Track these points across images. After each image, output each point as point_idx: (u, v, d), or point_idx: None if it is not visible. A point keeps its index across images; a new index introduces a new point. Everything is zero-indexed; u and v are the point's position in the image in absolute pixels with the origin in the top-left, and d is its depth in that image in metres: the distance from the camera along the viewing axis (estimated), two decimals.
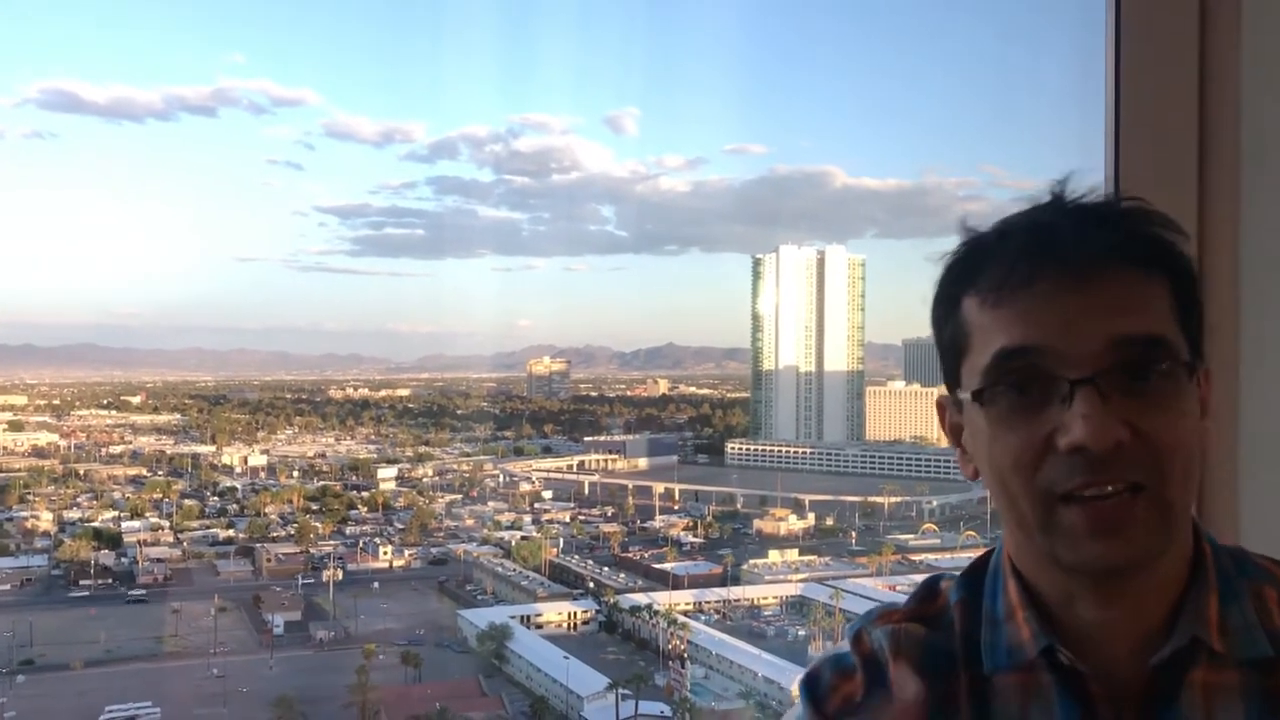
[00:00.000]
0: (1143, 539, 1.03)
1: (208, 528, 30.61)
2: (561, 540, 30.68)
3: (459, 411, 37.31)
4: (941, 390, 1.18)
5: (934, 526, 29.90)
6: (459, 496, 32.99)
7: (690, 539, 30.30)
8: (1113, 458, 1.00)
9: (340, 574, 28.86)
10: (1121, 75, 1.93)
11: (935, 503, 30.16)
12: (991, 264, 1.09)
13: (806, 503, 30.20)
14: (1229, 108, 1.82)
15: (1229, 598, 1.11)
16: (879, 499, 30.49)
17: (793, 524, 30.09)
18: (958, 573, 1.26)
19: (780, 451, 32.46)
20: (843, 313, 33.06)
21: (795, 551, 29.08)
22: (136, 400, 37.52)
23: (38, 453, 33.05)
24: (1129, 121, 1.91)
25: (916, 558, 28.56)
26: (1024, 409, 1.05)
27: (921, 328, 1.25)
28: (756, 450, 32.89)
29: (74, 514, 30.03)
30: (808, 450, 32.29)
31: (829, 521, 30.28)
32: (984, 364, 1.07)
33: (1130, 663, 1.09)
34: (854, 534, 29.99)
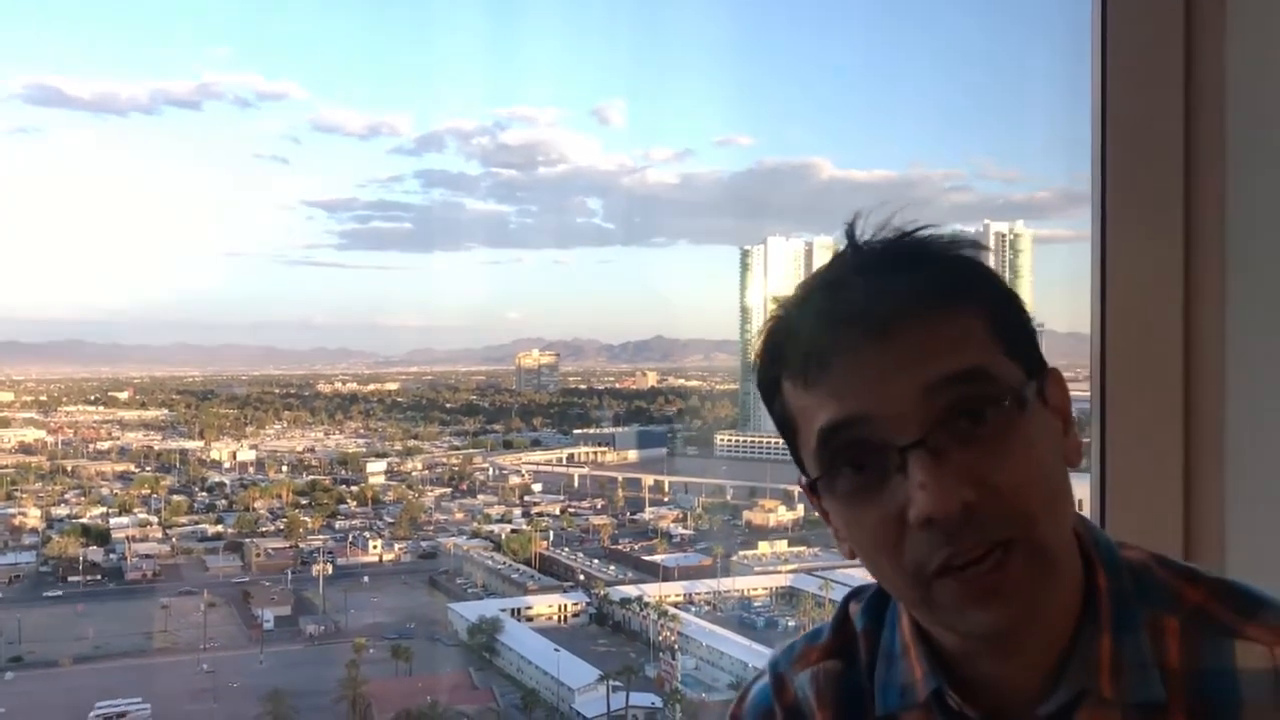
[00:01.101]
0: (1025, 595, 0.98)
1: (196, 523, 30.50)
2: (551, 533, 30.67)
3: (448, 405, 37.22)
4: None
5: None
6: (448, 490, 32.93)
7: (680, 531, 30.31)
8: (966, 521, 0.95)
9: (330, 568, 28.80)
10: (1108, 66, 1.93)
11: None
12: (795, 343, 1.06)
13: (795, 494, 30.17)
14: (1214, 97, 1.82)
15: (1123, 632, 1.04)
16: None
17: (782, 515, 30.07)
18: (870, 586, 1.22)
19: (769, 443, 32.40)
20: None
21: (785, 543, 29.09)
22: (124, 396, 37.32)
23: (25, 449, 32.88)
24: (1115, 112, 1.91)
25: None
26: (865, 489, 1.01)
27: None
28: (746, 442, 32.85)
29: (62, 510, 29.88)
30: None
31: (817, 514, 30.29)
32: (812, 447, 1.04)
33: (1022, 710, 1.05)
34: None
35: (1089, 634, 1.04)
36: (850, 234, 1.08)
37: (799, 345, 1.05)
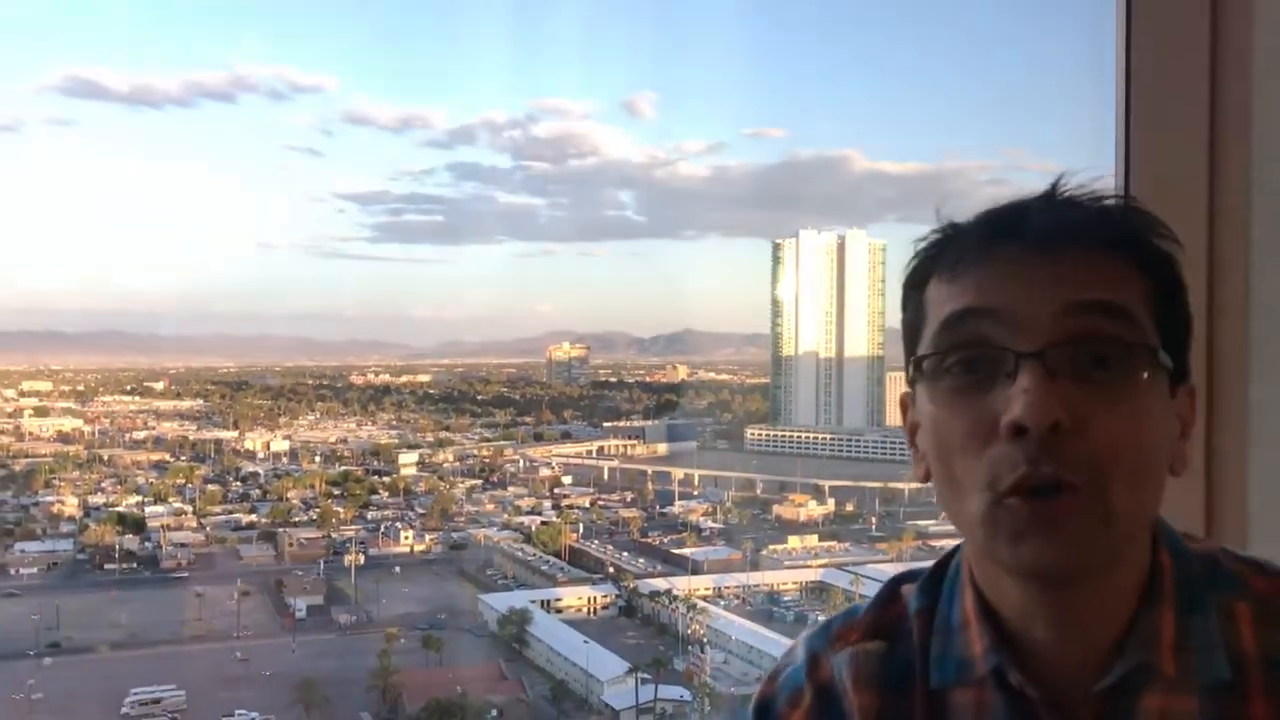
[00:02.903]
0: (1081, 542, 0.97)
1: (230, 512, 30.79)
2: (581, 525, 30.73)
3: (479, 397, 37.37)
4: (905, 390, 1.12)
5: None
6: (479, 482, 33.06)
7: (709, 524, 30.27)
8: (1051, 447, 0.94)
9: (362, 558, 28.98)
10: (1132, 58, 1.93)
11: None
12: (957, 243, 1.06)
13: (826, 488, 30.11)
14: (1242, 88, 1.82)
15: (1190, 613, 1.03)
16: (899, 484, 30.31)
17: (812, 510, 30.00)
18: (921, 573, 1.22)
19: (800, 437, 32.34)
20: (863, 298, 32.84)
21: (815, 537, 29.02)
22: (160, 386, 37.70)
23: (63, 438, 33.29)
24: (1139, 104, 1.91)
25: (937, 544, 28.48)
26: (970, 389, 1.00)
27: None
28: (776, 436, 32.76)
29: (99, 499, 30.24)
30: (827, 436, 32.15)
31: (849, 507, 30.19)
32: (932, 331, 1.03)
33: (1081, 687, 1.03)
34: (874, 520, 29.89)
35: (1151, 612, 1.03)
36: (1054, 183, 1.08)
37: (959, 245, 1.06)
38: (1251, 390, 1.78)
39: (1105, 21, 1.99)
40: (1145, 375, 0.99)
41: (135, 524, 29.06)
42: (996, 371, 0.98)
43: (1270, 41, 1.79)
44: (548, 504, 31.86)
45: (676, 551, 28.84)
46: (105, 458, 32.69)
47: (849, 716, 1.15)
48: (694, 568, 27.76)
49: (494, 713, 22.75)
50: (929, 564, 1.22)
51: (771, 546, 28.57)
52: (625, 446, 33.92)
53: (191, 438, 34.29)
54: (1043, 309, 0.97)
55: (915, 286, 1.10)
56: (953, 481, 1.03)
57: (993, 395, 0.98)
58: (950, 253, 1.06)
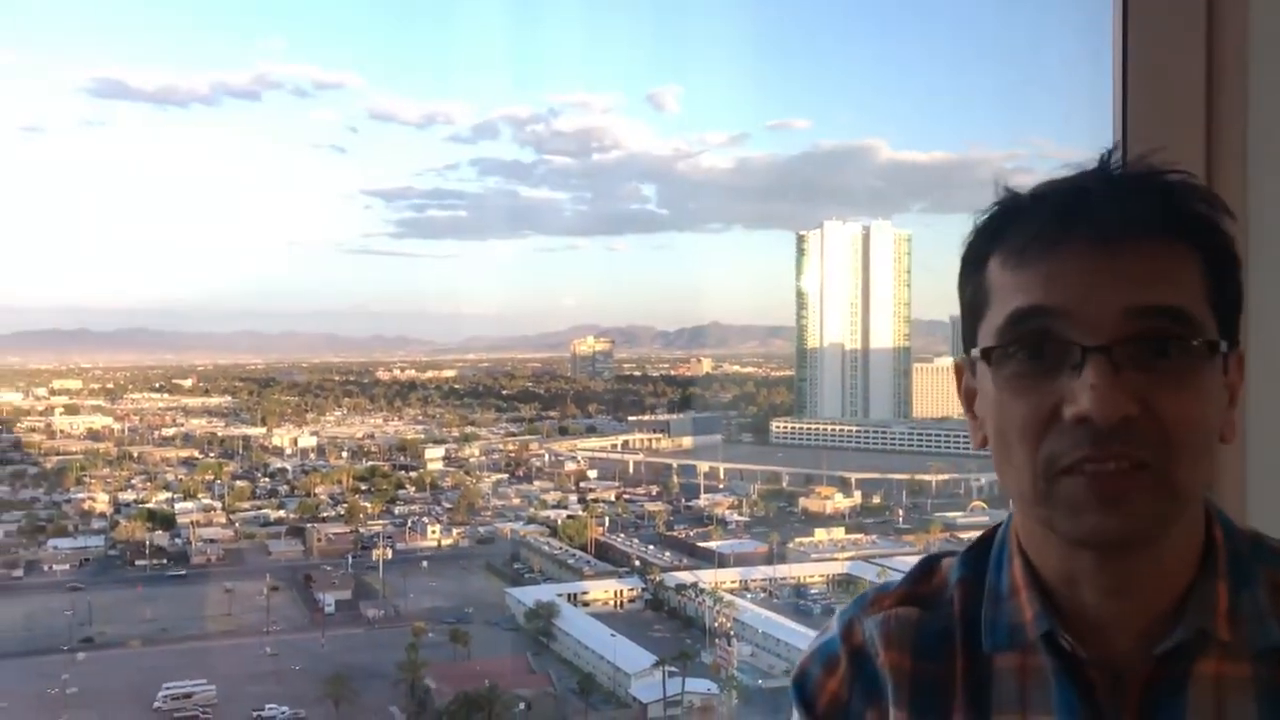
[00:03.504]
0: (1143, 513, 1.01)
1: (259, 508, 30.99)
2: (607, 519, 30.76)
3: (504, 391, 37.46)
4: (961, 356, 1.18)
5: (983, 504, 29.60)
6: (505, 476, 33.15)
7: (735, 517, 30.24)
8: (1119, 432, 0.98)
9: (389, 553, 29.13)
10: (1129, 42, 1.93)
11: (984, 480, 29.84)
12: (1020, 224, 1.08)
13: (853, 481, 30.02)
14: (1237, 76, 1.81)
15: (1240, 585, 1.08)
16: (926, 477, 30.21)
17: (839, 502, 29.91)
18: (960, 549, 1.25)
19: (826, 430, 32.25)
20: (889, 289, 32.67)
21: (841, 530, 28.93)
22: (188, 383, 37.98)
23: (93, 436, 33.57)
24: (1136, 90, 1.91)
25: (964, 536, 28.35)
26: (1034, 374, 1.03)
27: None
28: (801, 428, 32.67)
29: (129, 495, 30.49)
30: (854, 428, 32.04)
31: (875, 500, 30.09)
32: (999, 324, 1.06)
33: (1134, 651, 1.07)
34: (901, 512, 29.78)
35: (1207, 582, 1.07)
36: (1105, 155, 1.11)
37: (1026, 228, 1.07)
38: (1250, 381, 1.77)
39: (1103, 12, 1.99)
40: (1202, 362, 1.04)
41: (165, 520, 29.31)
42: (1062, 360, 1.02)
43: (1266, 30, 1.79)
44: (573, 498, 31.90)
45: (702, 545, 28.83)
46: (135, 455, 32.96)
47: (881, 678, 1.18)
48: (720, 561, 27.76)
49: (522, 706, 22.82)
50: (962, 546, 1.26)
51: (798, 539, 28.51)
52: (650, 440, 33.92)
53: (220, 434, 34.53)
54: (1108, 309, 1.01)
55: (975, 262, 1.13)
56: (1010, 459, 1.06)
57: (1058, 382, 1.02)
58: (1013, 235, 1.08)
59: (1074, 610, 1.09)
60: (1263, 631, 1.06)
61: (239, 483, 32.04)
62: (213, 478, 32.02)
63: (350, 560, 29.00)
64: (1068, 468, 1.01)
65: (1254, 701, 1.04)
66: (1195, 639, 1.05)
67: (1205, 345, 1.03)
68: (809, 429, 32.49)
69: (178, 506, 30.03)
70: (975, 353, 1.10)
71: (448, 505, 31.65)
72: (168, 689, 22.49)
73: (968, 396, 1.16)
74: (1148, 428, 0.99)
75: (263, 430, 34.77)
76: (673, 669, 22.73)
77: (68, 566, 27.70)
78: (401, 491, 32.00)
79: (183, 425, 34.90)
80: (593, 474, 32.98)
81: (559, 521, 30.37)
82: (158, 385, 37.80)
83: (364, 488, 32.04)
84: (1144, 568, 1.06)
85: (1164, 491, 1.01)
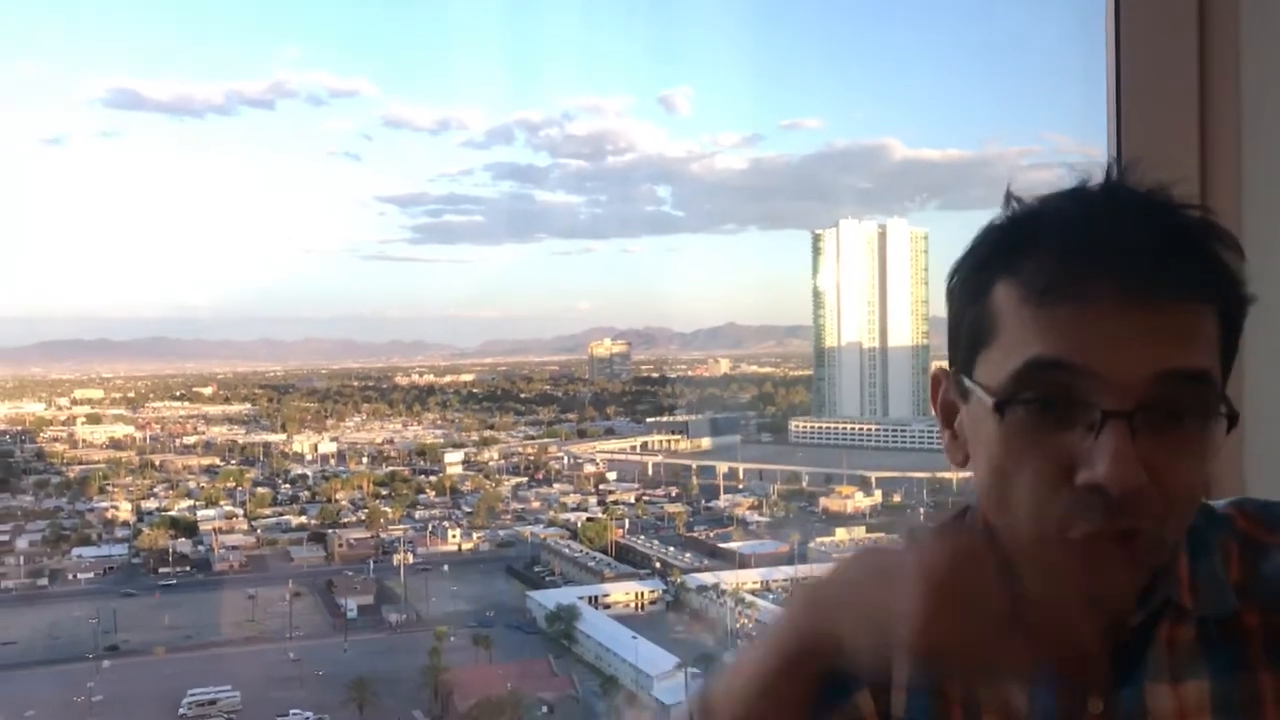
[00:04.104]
0: (1125, 583, 1.01)
1: (280, 515, 31.14)
2: (627, 521, 30.75)
3: (522, 395, 37.53)
4: (940, 363, 1.15)
5: None
6: (525, 479, 33.20)
7: (756, 518, 30.19)
8: (1128, 502, 0.95)
9: (410, 558, 29.20)
10: (1121, 47, 1.93)
11: None
12: (1039, 254, 1.00)
13: (873, 480, 29.94)
14: (1229, 82, 1.81)
15: (1199, 554, 1.08)
16: (947, 475, 30.06)
17: (859, 501, 29.82)
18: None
19: (845, 429, 32.18)
20: (906, 287, 32.59)
21: (862, 529, 28.83)
22: (208, 391, 38.19)
23: (115, 445, 33.81)
24: (1129, 94, 1.91)
25: None
26: (1045, 428, 0.98)
27: None
28: (821, 428, 32.61)
29: (151, 504, 30.69)
30: (873, 427, 31.95)
31: (896, 498, 30.00)
32: (1013, 368, 0.99)
33: (1102, 621, 1.09)
34: (922, 510, 29.67)
35: (1173, 556, 1.08)
36: (1112, 172, 1.03)
37: (1046, 261, 0.99)
38: (1245, 378, 1.78)
39: (1097, 14, 1.99)
40: (1212, 428, 0.99)
41: (188, 528, 29.49)
42: (1075, 417, 0.97)
43: (1257, 36, 1.79)
44: (593, 500, 31.92)
45: (723, 545, 28.79)
46: (157, 463, 33.18)
47: None
48: (741, 561, 27.71)
49: (544, 709, 22.85)
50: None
51: (819, 539, 28.44)
52: (669, 441, 33.91)
53: (240, 441, 34.71)
54: (1134, 372, 0.95)
55: (980, 281, 1.05)
56: (1007, 506, 1.02)
57: (1069, 436, 0.97)
58: (1030, 265, 1.00)
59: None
60: (1218, 597, 1.07)
61: (260, 489, 32.19)
62: (234, 485, 32.18)
63: (372, 565, 29.10)
64: (1079, 536, 0.97)
65: (1205, 660, 1.06)
66: (1162, 607, 1.07)
67: (1219, 412, 0.99)
68: (828, 428, 32.42)
69: (200, 514, 30.21)
70: (973, 387, 1.04)
71: (468, 509, 31.71)
72: (192, 695, 22.62)
73: (945, 409, 1.12)
74: (1153, 497, 0.96)
75: (283, 437, 34.92)
76: (695, 671, 22.70)
77: (92, 575, 27.89)
78: (422, 496, 32.09)
79: (204, 433, 35.09)
80: (612, 476, 32.99)
81: (579, 524, 30.38)
82: (178, 394, 38.02)
83: (384, 493, 32.14)
84: (1117, 606, 1.08)
85: (1153, 553, 1.00)
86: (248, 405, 37.26)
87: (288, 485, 32.78)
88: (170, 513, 30.11)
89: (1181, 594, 1.07)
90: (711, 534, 29.75)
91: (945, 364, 1.13)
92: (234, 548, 29.28)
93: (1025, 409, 0.98)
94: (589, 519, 30.65)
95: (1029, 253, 1.01)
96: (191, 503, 30.86)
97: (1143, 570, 1.02)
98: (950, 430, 1.12)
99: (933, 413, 1.16)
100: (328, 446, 34.42)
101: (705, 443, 33.75)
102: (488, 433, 35.09)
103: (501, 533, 30.93)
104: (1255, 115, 1.78)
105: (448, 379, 39.23)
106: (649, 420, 34.99)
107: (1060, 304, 0.97)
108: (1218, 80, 1.81)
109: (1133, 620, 1.08)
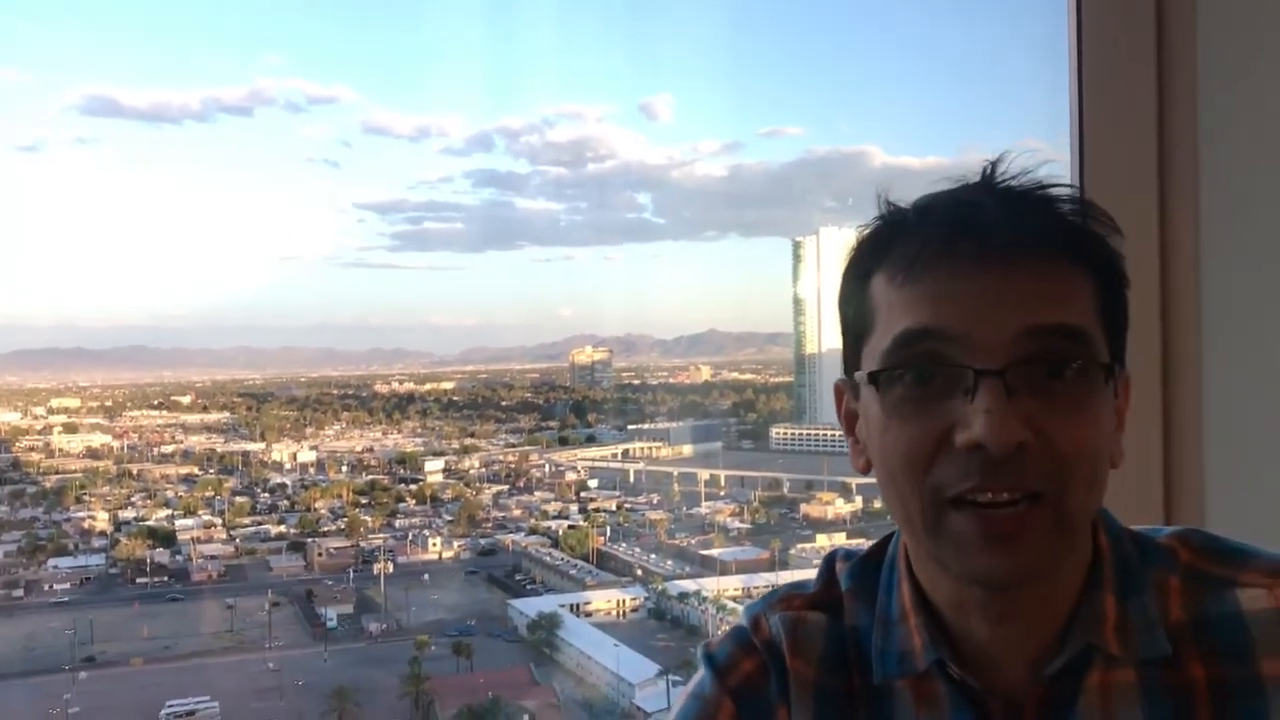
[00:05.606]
0: (1036, 551, 0.97)
1: (259, 524, 30.94)
2: (608, 528, 30.71)
3: (503, 403, 37.42)
4: (841, 378, 1.15)
5: None
6: (506, 487, 33.11)
7: (737, 525, 30.20)
8: (1012, 461, 0.93)
9: (391, 567, 29.07)
10: (1084, 52, 1.95)
11: None
12: (906, 239, 1.03)
13: (853, 486, 29.96)
14: (1187, 92, 1.83)
15: (1128, 593, 1.05)
16: None
17: (840, 508, 29.86)
18: (857, 550, 1.23)
19: (825, 435, 32.18)
20: None
21: (843, 535, 28.86)
22: (186, 400, 37.94)
23: (92, 454, 33.53)
24: (1091, 105, 1.93)
25: None
26: (922, 399, 0.98)
27: None
28: (801, 434, 32.61)
29: (129, 513, 30.45)
30: None
31: (876, 504, 30.02)
32: (885, 346, 1.01)
33: (1027, 675, 1.05)
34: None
35: (1094, 596, 1.04)
36: (989, 168, 1.06)
37: (911, 242, 1.02)
38: (1205, 383, 1.80)
39: (1059, 22, 2.01)
40: (1097, 386, 1.00)
41: (165, 537, 29.27)
42: (952, 384, 0.97)
43: (1213, 51, 1.81)
44: (574, 508, 31.85)
45: (704, 552, 28.77)
46: (134, 472, 32.93)
47: (788, 679, 1.15)
48: (722, 568, 27.69)
49: (526, 717, 22.78)
50: (865, 544, 1.23)
51: (800, 545, 28.45)
52: (650, 449, 33.88)
53: (219, 450, 34.47)
54: (1002, 331, 0.96)
55: (858, 279, 1.08)
56: (895, 488, 1.02)
57: (947, 406, 0.97)
58: (899, 250, 1.03)
59: (964, 637, 1.07)
60: (1151, 641, 1.03)
61: (239, 499, 31.98)
62: (212, 494, 31.97)
63: (351, 574, 28.95)
64: (955, 499, 0.96)
65: (1140, 706, 1.02)
66: (1083, 655, 1.03)
67: (1101, 367, 1.00)
68: (809, 434, 32.44)
69: (178, 523, 29.98)
70: (859, 375, 1.05)
71: (448, 517, 31.59)
72: (171, 707, 22.45)
73: (848, 419, 1.13)
74: (1041, 455, 0.95)
75: (262, 445, 34.72)
76: (676, 679, 22.68)
77: (68, 585, 27.65)
78: (402, 505, 31.96)
79: (182, 442, 34.84)
80: (593, 484, 32.93)
81: (560, 532, 30.32)
82: (156, 402, 37.74)
83: (364, 501, 31.99)
84: (1030, 596, 1.03)
85: (1056, 525, 0.97)
86: (226, 414, 37.02)
87: (266, 494, 32.59)
88: (148, 522, 29.88)
89: (1106, 638, 1.03)
90: (693, 541, 29.73)
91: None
92: (212, 557, 29.09)
93: (901, 383, 0.99)
94: (570, 526, 30.58)
95: (897, 241, 1.04)
96: (169, 512, 30.63)
97: (1054, 539, 0.98)
98: (853, 437, 1.13)
99: (838, 417, 1.17)
100: (307, 455, 34.24)
101: (686, 450, 33.72)
102: (468, 441, 34.97)
103: (482, 541, 30.83)
104: (1210, 113, 1.81)
105: (428, 387, 39.08)
106: (630, 427, 34.95)
107: (924, 276, 1.00)
108: (1175, 81, 1.83)
109: (1049, 668, 1.04)
